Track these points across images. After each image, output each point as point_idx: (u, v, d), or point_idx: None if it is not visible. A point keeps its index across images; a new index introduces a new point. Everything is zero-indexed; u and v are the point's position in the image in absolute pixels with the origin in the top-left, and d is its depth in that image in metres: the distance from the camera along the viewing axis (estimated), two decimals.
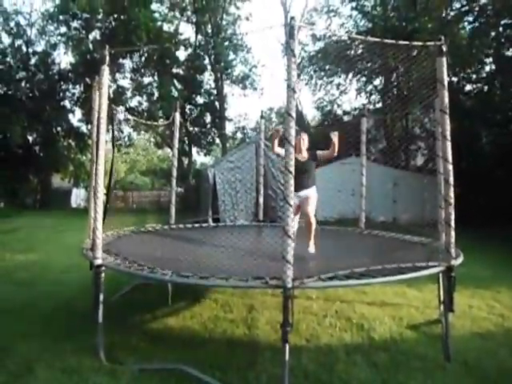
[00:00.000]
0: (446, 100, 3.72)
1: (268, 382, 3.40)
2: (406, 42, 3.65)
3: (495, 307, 5.44)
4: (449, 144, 3.73)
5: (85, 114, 25.33)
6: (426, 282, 6.03)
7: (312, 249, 4.90)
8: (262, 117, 8.39)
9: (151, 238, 6.02)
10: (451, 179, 3.76)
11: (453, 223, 3.81)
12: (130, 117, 8.36)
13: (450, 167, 3.74)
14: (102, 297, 3.82)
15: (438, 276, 5.02)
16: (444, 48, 3.67)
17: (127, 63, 24.96)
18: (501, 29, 13.53)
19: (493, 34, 13.58)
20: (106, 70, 4.18)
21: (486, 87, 14.69)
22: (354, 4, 19.71)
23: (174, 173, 7.10)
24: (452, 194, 3.75)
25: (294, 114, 3.31)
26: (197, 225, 7.73)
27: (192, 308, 5.36)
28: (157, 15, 23.88)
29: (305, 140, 5.10)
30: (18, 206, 21.18)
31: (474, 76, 15.32)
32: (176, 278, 3.51)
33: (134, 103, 25.09)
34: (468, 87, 15.60)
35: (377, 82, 20.66)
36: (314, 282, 3.34)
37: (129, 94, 25.20)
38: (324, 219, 10.84)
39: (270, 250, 4.42)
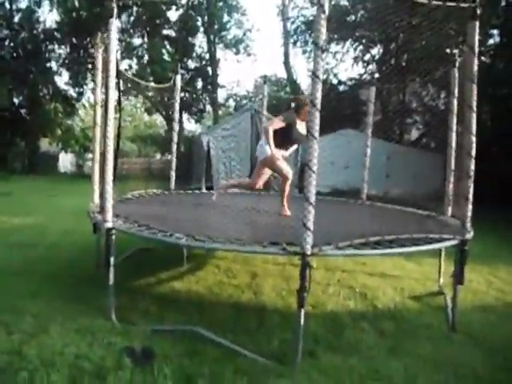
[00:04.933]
0: (475, 68, 3.60)
1: (280, 346, 3.40)
2: (439, 3, 3.45)
3: (494, 282, 5.48)
4: (474, 115, 3.64)
5: (72, 77, 24.45)
6: (423, 256, 6.07)
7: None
8: (264, 82, 8.13)
9: (155, 203, 5.89)
10: (473, 152, 3.69)
11: (471, 197, 3.77)
12: (134, 78, 7.93)
13: (474, 139, 3.67)
14: (113, 260, 3.74)
15: (440, 250, 5.08)
16: (478, 11, 3.52)
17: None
18: None
19: (503, 3, 13.11)
20: (114, 23, 3.93)
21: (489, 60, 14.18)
22: None
23: (175, 138, 6.91)
24: (473, 167, 3.69)
25: (321, 76, 3.17)
26: (197, 191, 7.60)
27: (195, 273, 5.31)
28: None
29: None
30: (8, 170, 20.76)
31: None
32: (191, 242, 3.43)
33: (123, 66, 24.27)
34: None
35: (375, 51, 20.17)
36: (332, 250, 3.29)
37: (118, 56, 24.31)
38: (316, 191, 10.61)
39: (273, 217, 4.43)
